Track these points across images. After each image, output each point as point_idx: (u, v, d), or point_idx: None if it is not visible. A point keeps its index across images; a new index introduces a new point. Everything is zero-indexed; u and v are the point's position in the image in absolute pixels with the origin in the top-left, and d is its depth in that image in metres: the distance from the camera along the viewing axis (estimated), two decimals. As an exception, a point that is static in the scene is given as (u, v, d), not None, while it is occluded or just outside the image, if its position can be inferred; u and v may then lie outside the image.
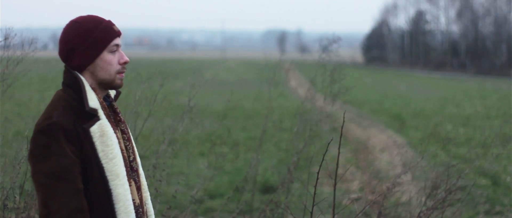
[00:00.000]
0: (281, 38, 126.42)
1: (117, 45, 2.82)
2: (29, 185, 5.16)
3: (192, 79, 13.01)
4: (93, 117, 2.73)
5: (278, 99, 23.12)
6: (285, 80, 32.15)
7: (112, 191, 2.72)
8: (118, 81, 2.84)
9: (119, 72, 2.84)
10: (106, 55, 2.80)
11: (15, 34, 5.22)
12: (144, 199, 2.95)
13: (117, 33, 2.84)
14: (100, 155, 2.71)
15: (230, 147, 12.43)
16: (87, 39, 2.77)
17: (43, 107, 2.98)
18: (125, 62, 2.85)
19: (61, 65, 2.88)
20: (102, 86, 2.84)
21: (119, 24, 2.88)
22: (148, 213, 2.99)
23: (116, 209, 2.73)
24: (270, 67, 10.03)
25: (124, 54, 2.85)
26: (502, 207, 8.79)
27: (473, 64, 63.72)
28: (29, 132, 5.34)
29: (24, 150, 5.01)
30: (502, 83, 42.39)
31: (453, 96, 30.69)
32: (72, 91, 2.77)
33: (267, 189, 9.04)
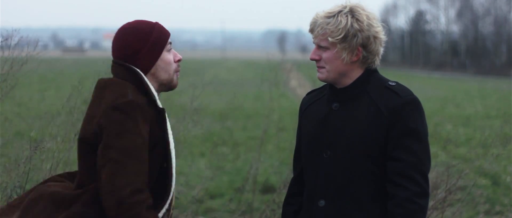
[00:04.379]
0: (281, 38, 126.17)
1: (171, 43, 2.85)
2: (31, 186, 5.15)
3: (193, 80, 13.02)
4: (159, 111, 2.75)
5: (279, 100, 23.13)
6: (286, 80, 32.17)
7: (171, 170, 2.76)
8: (176, 81, 2.87)
9: (176, 71, 2.86)
10: (166, 55, 2.81)
11: (21, 37, 5.21)
12: None
13: (169, 32, 2.86)
14: (168, 137, 2.76)
15: (231, 147, 12.44)
16: (147, 41, 2.78)
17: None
18: (179, 60, 2.87)
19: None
20: (161, 88, 2.85)
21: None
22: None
23: (170, 188, 2.77)
24: (272, 67, 10.03)
25: (177, 53, 2.87)
26: (502, 207, 8.79)
27: (473, 64, 63.72)
28: (33, 132, 5.35)
29: (25, 150, 5.01)
30: (502, 83, 42.39)
31: (453, 96, 30.70)
32: (129, 83, 2.74)
33: (268, 189, 9.03)
